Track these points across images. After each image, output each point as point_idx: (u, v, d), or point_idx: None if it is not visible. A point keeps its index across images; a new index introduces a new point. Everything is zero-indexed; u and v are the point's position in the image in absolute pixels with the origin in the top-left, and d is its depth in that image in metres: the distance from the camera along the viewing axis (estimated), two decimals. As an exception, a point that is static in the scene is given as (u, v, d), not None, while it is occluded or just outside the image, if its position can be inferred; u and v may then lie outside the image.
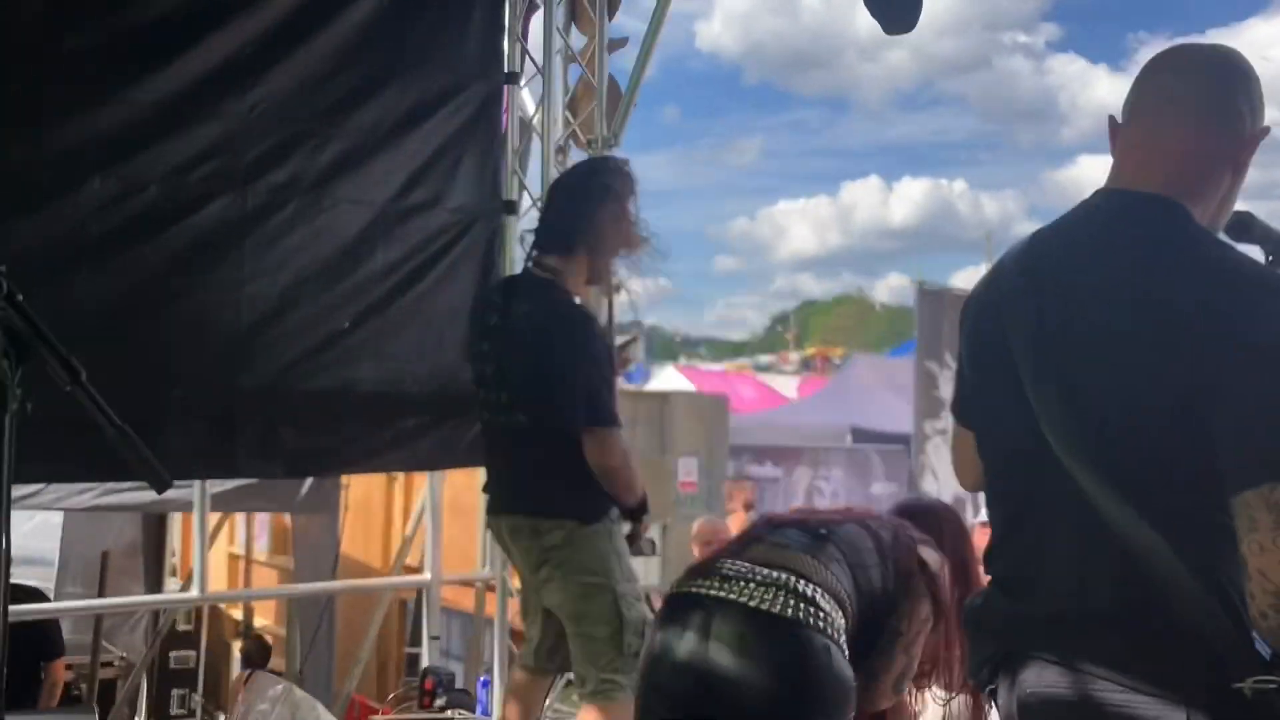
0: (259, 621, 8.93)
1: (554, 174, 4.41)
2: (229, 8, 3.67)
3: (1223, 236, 1.77)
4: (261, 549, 9.09)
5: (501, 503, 3.41)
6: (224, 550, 8.87)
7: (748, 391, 19.16)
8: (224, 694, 7.91)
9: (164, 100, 3.53)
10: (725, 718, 2.33)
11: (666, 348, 42.23)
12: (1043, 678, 1.64)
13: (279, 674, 5.27)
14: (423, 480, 5.48)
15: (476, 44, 4.26)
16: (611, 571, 3.17)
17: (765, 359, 34.88)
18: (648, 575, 5.26)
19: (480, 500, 3.86)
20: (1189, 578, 1.53)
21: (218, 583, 8.38)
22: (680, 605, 2.45)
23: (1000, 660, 1.74)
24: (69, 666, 5.61)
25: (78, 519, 7.15)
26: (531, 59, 4.54)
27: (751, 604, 2.33)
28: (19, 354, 1.60)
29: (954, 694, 2.79)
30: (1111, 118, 1.81)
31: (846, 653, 2.37)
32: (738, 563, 2.44)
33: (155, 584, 7.57)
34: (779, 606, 2.32)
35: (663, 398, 8.53)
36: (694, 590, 2.43)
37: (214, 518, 6.41)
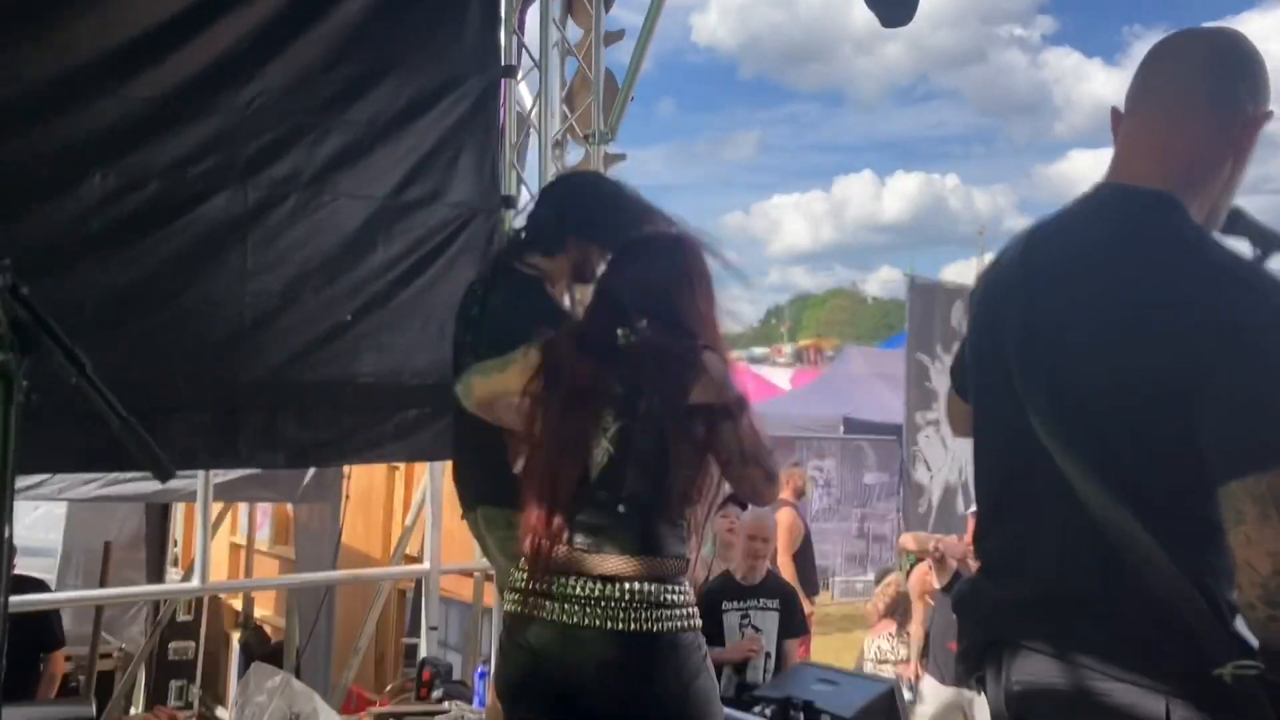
0: (259, 612, 8.95)
1: (551, 168, 4.43)
2: (225, 2, 3.68)
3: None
4: (263, 538, 9.09)
5: (477, 494, 3.43)
6: (226, 540, 8.88)
7: (741, 381, 19.17)
8: (222, 686, 7.93)
9: (163, 95, 3.56)
10: None
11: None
12: (1028, 667, 1.65)
13: (277, 664, 5.29)
14: (423, 471, 5.50)
15: (473, 37, 4.26)
16: None
17: (759, 351, 34.79)
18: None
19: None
20: (1170, 564, 1.53)
21: (219, 572, 8.39)
22: (527, 627, 2.34)
23: (987, 646, 1.75)
24: (68, 658, 5.62)
25: (81, 510, 7.18)
26: (528, 52, 4.54)
27: (607, 627, 2.24)
28: (24, 346, 1.62)
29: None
30: (1115, 109, 1.81)
31: (699, 622, 2.32)
32: (575, 580, 2.30)
33: (157, 574, 7.61)
34: (634, 624, 2.24)
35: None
36: (542, 616, 2.31)
37: (216, 507, 6.43)
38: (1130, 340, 1.59)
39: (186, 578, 6.97)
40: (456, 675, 4.49)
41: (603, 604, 2.27)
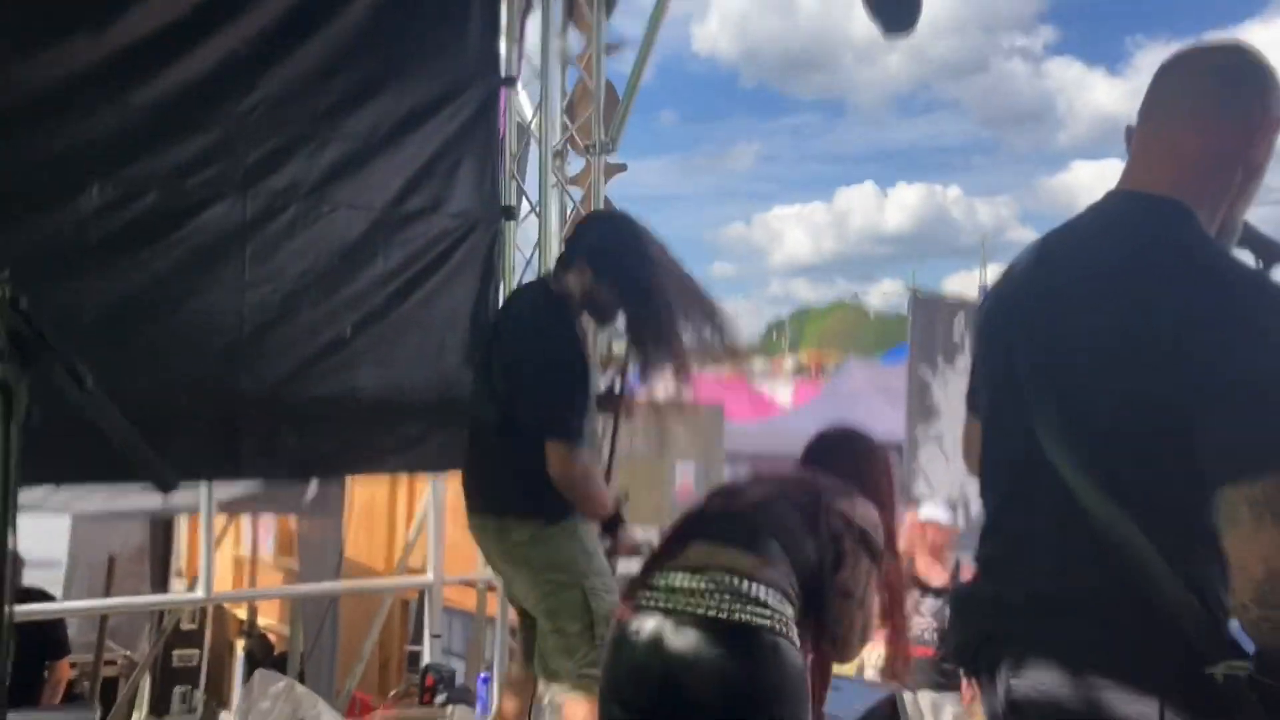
0: (263, 620, 8.95)
1: (552, 179, 4.43)
2: (224, 12, 3.69)
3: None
4: (267, 551, 9.10)
5: (477, 503, 3.47)
6: (229, 554, 8.89)
7: (742, 398, 19.19)
8: (226, 692, 7.93)
9: (161, 105, 3.56)
10: None
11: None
12: (1025, 667, 1.67)
13: (281, 671, 5.30)
14: (425, 484, 5.51)
15: (474, 46, 4.26)
16: (578, 568, 3.26)
17: (760, 365, 34.80)
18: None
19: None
20: (1164, 566, 1.56)
21: (223, 584, 8.40)
22: (632, 618, 2.48)
23: (982, 644, 1.78)
24: (73, 665, 5.64)
25: (86, 523, 7.19)
26: (529, 62, 4.54)
27: (699, 612, 2.38)
28: (25, 359, 1.62)
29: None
30: (1128, 127, 1.83)
31: (797, 642, 2.43)
32: (678, 573, 2.47)
33: (161, 588, 7.63)
34: (726, 612, 2.37)
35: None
36: (644, 604, 2.47)
37: (220, 521, 6.44)
38: (1139, 363, 1.62)
39: (191, 589, 6.98)
40: (460, 682, 4.50)
41: (704, 595, 2.40)
